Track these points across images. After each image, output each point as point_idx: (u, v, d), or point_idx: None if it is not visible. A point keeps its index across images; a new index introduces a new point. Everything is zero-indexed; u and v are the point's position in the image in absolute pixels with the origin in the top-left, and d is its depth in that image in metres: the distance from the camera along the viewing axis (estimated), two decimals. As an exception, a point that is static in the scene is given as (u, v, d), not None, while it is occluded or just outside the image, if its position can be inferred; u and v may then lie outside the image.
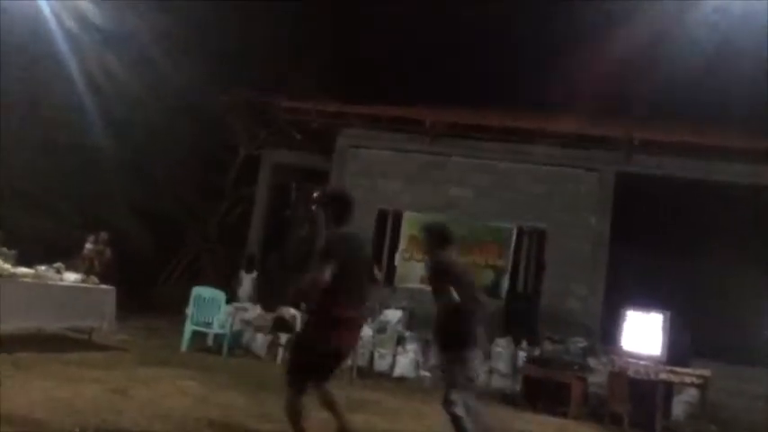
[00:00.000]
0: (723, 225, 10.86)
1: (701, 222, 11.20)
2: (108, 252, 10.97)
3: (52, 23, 11.74)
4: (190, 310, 9.03)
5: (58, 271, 7.60)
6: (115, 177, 13.29)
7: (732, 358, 9.45)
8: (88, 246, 10.90)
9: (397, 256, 11.18)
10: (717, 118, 12.41)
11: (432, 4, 16.19)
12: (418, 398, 7.61)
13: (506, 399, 8.40)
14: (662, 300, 8.67)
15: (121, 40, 12.73)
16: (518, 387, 8.73)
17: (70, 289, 7.52)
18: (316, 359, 3.88)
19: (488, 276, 10.78)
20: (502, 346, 9.48)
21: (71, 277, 7.71)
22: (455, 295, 4.26)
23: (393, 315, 10.07)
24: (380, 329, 9.78)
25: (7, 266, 6.77)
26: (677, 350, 7.99)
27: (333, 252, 3.89)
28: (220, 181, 14.97)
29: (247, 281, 11.76)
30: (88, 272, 8.70)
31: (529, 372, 8.46)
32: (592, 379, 8.40)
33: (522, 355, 9.20)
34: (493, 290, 10.67)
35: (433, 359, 8.60)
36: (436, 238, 4.71)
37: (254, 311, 9.94)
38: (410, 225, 11.21)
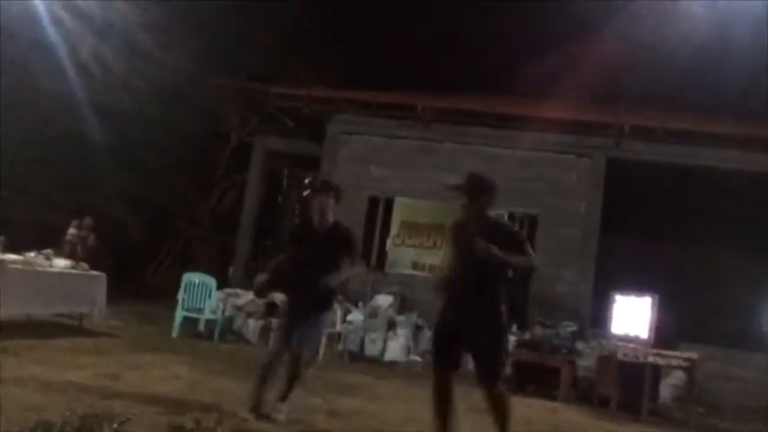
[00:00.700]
0: (712, 211, 10.96)
1: (690, 208, 11.30)
2: (92, 237, 10.89)
3: (42, 11, 11.62)
4: (181, 296, 9.06)
5: (48, 258, 7.58)
6: (107, 165, 13.22)
7: (719, 341, 9.57)
8: (71, 231, 10.84)
9: (389, 242, 11.20)
10: (707, 104, 12.47)
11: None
12: (409, 382, 7.66)
13: (496, 383, 8.47)
14: (650, 284, 8.76)
15: (112, 28, 12.61)
16: (508, 371, 8.81)
17: (60, 275, 7.51)
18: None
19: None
20: (492, 330, 9.54)
21: (61, 263, 7.70)
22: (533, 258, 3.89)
23: (384, 300, 10.12)
24: (372, 314, 9.83)
25: (-4, 253, 6.75)
26: (665, 333, 8.08)
27: None
28: (212, 168, 14.93)
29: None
30: (70, 257, 8.65)
31: (519, 356, 8.54)
32: (581, 362, 8.49)
33: (512, 339, 9.26)
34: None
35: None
36: (488, 190, 4.15)
37: (246, 297, 9.96)
38: (402, 211, 11.23)
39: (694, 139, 10.41)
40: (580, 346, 8.91)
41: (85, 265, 8.17)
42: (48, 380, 4.92)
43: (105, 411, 3.99)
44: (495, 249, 3.71)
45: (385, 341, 9.55)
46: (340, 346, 9.19)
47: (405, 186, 11.28)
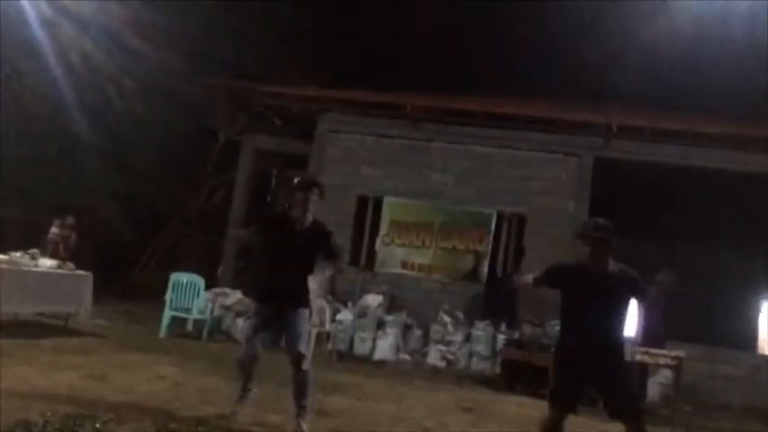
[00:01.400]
0: (700, 210, 11.03)
1: (678, 207, 11.37)
2: (74, 237, 10.80)
3: (30, 10, 11.50)
4: (168, 296, 9.00)
5: (34, 257, 7.51)
6: (94, 164, 13.12)
7: (706, 340, 9.62)
8: (54, 230, 10.74)
9: (378, 242, 11.20)
10: (695, 104, 12.55)
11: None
12: (398, 381, 7.66)
13: (486, 381, 8.50)
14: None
15: (100, 26, 12.51)
16: (497, 369, 8.84)
17: (46, 275, 7.44)
18: None
19: (469, 261, 10.84)
20: (481, 329, 9.57)
21: (47, 263, 7.63)
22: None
23: (373, 299, 10.11)
24: (361, 314, 9.82)
25: (-19, 252, 6.68)
26: (652, 332, 8.11)
27: None
28: (200, 167, 14.85)
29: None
30: (53, 256, 8.57)
31: (508, 354, 8.56)
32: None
33: (501, 338, 9.29)
34: (473, 274, 10.74)
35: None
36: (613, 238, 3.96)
37: (234, 296, 9.92)
38: (391, 210, 11.22)
39: (683, 138, 10.46)
40: (568, 344, 8.94)
41: (71, 265, 8.09)
42: (33, 381, 4.87)
43: (90, 411, 3.96)
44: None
45: (374, 340, 9.54)
46: (329, 346, 9.17)
47: (394, 186, 11.27)
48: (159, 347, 7.58)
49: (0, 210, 11.26)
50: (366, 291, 10.44)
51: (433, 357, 9.44)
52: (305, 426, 4.41)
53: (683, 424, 7.42)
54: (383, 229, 11.19)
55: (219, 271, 12.81)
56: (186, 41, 13.10)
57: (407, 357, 9.38)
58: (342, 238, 10.79)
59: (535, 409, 7.07)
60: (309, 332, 5.86)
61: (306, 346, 4.56)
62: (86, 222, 11.08)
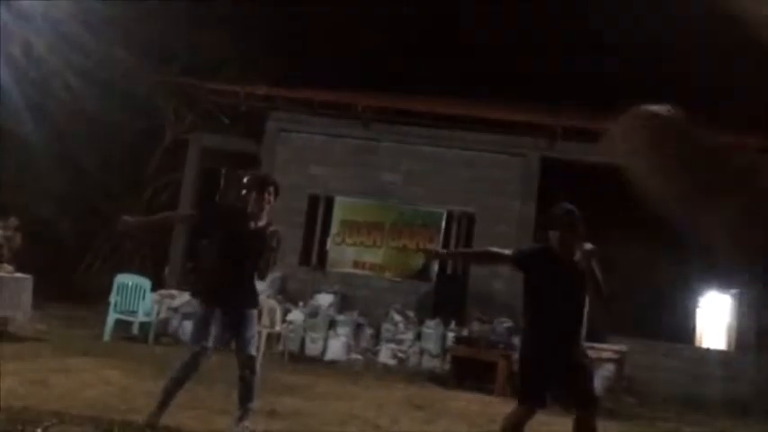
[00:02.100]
0: (641, 210, 11.41)
1: (620, 207, 11.73)
2: (18, 238, 10.40)
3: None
4: (113, 299, 8.75)
5: (-32, 259, 7.18)
6: (34, 161, 12.63)
7: (647, 334, 9.99)
8: None
9: (329, 241, 11.17)
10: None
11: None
12: (349, 380, 7.67)
13: (436, 378, 8.60)
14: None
15: (46, 21, 12.04)
16: (447, 366, 8.95)
17: (-19, 278, 7.14)
18: None
19: (419, 260, 10.94)
20: (431, 327, 9.67)
21: (-18, 266, 7.31)
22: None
23: (325, 299, 10.09)
24: (312, 314, 9.78)
25: None
26: (595, 327, 8.35)
27: None
28: (146, 165, 14.49)
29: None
30: (-5, 258, 8.24)
31: (457, 351, 8.69)
32: (516, 357, 8.68)
33: (450, 335, 9.42)
34: (423, 273, 10.84)
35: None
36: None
37: (182, 298, 9.72)
38: (342, 210, 11.21)
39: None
40: (516, 341, 9.12)
41: (10, 268, 7.78)
42: (-33, 388, 4.66)
43: (34, 419, 3.82)
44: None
45: (325, 340, 9.51)
46: (280, 347, 9.09)
47: (345, 185, 11.27)
48: (103, 351, 7.37)
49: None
50: (317, 290, 10.41)
51: (385, 356, 9.49)
52: (250, 426, 4.36)
53: (627, 415, 7.69)
54: (334, 228, 11.18)
55: (166, 272, 12.54)
56: (133, 35, 12.76)
57: (359, 357, 9.40)
58: (293, 238, 10.73)
59: (484, 404, 7.20)
60: (260, 333, 5.81)
61: (255, 348, 4.49)
62: (25, 222, 10.66)
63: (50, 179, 12.71)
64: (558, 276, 3.85)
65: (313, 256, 11.21)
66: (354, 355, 9.42)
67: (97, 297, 9.70)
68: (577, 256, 3.82)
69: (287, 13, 15.13)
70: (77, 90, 12.46)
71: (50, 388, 5.08)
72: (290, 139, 11.61)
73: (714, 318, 12.89)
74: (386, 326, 9.86)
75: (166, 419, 4.30)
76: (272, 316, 8.79)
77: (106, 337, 8.52)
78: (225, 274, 4.38)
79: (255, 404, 4.44)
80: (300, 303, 10.14)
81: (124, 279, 9.02)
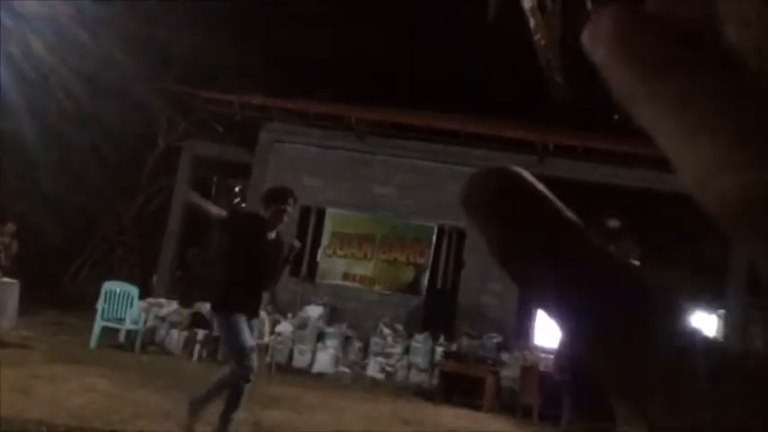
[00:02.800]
0: (627, 227, 11.49)
1: (608, 224, 11.81)
2: (15, 245, 10.34)
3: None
4: (100, 306, 8.70)
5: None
6: (24, 165, 12.58)
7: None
8: None
9: (320, 253, 11.16)
10: (627, 125, 13.11)
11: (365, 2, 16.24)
12: (337, 393, 7.64)
13: (423, 393, 8.58)
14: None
15: (45, 25, 12.04)
16: (435, 381, 8.94)
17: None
18: None
19: (409, 273, 10.95)
20: (420, 341, 9.66)
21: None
22: None
23: (314, 311, 10.06)
24: (301, 325, 9.75)
25: None
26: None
27: None
28: (138, 172, 14.46)
29: None
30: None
31: (445, 366, 8.68)
32: (505, 373, 8.70)
33: (439, 350, 9.41)
34: (413, 287, 10.85)
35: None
36: None
37: (170, 307, 9.68)
38: (333, 222, 11.22)
39: (611, 158, 10.92)
40: (504, 356, 9.14)
41: (-4, 272, 7.73)
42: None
43: (17, 427, 3.79)
44: None
45: (314, 352, 9.48)
46: (268, 358, 9.05)
47: (337, 197, 11.29)
48: (90, 359, 7.31)
49: None
50: (306, 302, 10.39)
51: (373, 369, 9.46)
52: None
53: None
54: (325, 240, 11.17)
55: (154, 280, 12.48)
56: (131, 41, 12.77)
57: (347, 370, 9.37)
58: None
59: (472, 419, 7.20)
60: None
61: None
62: (16, 227, 10.59)
63: (44, 183, 12.65)
64: None
65: (303, 267, 11.19)
66: (342, 368, 9.39)
67: (85, 304, 9.64)
68: None
69: (284, 24, 15.21)
70: (71, 95, 12.43)
71: (35, 396, 5.03)
72: (283, 149, 11.62)
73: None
74: (374, 339, 9.84)
75: (150, 427, 4.27)
76: (261, 327, 8.76)
77: (92, 344, 8.45)
78: (247, 282, 4.37)
79: (239, 415, 4.42)
80: (289, 315, 10.11)
81: (112, 286, 8.97)
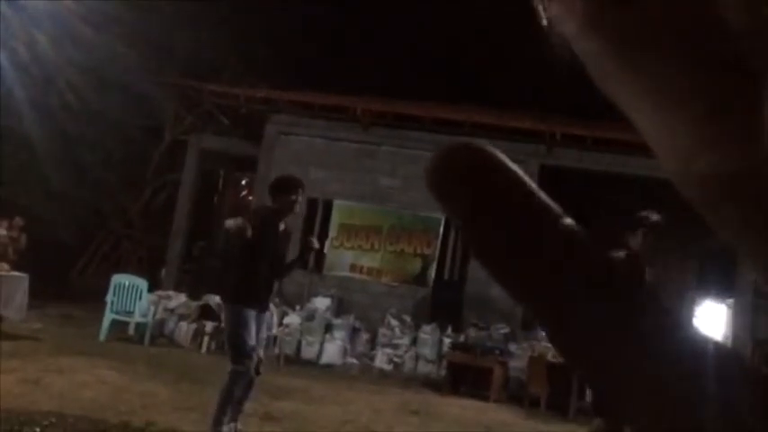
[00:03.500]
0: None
1: (617, 214, 11.76)
2: (23, 239, 10.40)
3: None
4: (109, 299, 8.75)
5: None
6: (32, 159, 12.62)
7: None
8: (1, 232, 10.30)
9: (327, 244, 11.16)
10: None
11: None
12: (345, 385, 7.67)
13: (431, 383, 8.59)
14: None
15: (44, 16, 12.05)
16: (443, 372, 8.95)
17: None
18: None
19: (417, 265, 10.94)
20: (428, 332, 9.67)
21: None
22: None
23: (321, 303, 10.08)
24: (309, 317, 9.78)
25: None
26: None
27: None
28: (144, 166, 14.49)
29: None
30: (1, 259, 8.23)
31: (453, 357, 8.68)
32: (512, 364, 8.70)
33: (447, 341, 9.42)
34: (421, 278, 10.84)
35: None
36: None
37: (178, 300, 9.73)
38: (340, 213, 11.22)
39: (620, 147, 10.85)
40: (512, 347, 9.13)
41: (6, 266, 7.77)
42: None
43: (28, 418, 3.82)
44: None
45: (321, 344, 9.51)
46: (276, 350, 9.09)
47: (343, 189, 11.28)
48: (99, 351, 7.36)
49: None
50: (314, 294, 10.41)
51: (380, 361, 9.48)
52: (240, 427, 4.36)
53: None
54: (332, 232, 11.18)
55: (163, 273, 12.53)
56: (135, 35, 12.76)
57: (354, 361, 9.39)
58: (291, 241, 10.73)
59: (479, 410, 7.21)
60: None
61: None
62: (26, 221, 10.65)
63: (51, 177, 12.70)
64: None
65: (310, 259, 11.20)
66: (350, 360, 9.41)
67: (93, 297, 9.70)
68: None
69: (289, 17, 15.16)
70: (77, 90, 12.45)
71: (45, 388, 5.07)
72: (289, 141, 11.62)
73: (710, 328, 12.91)
74: (382, 330, 9.86)
75: (159, 418, 4.30)
76: (269, 319, 8.78)
77: (102, 337, 8.51)
78: (263, 274, 4.36)
79: (249, 406, 4.44)
80: (297, 307, 10.14)
81: (121, 279, 9.01)
